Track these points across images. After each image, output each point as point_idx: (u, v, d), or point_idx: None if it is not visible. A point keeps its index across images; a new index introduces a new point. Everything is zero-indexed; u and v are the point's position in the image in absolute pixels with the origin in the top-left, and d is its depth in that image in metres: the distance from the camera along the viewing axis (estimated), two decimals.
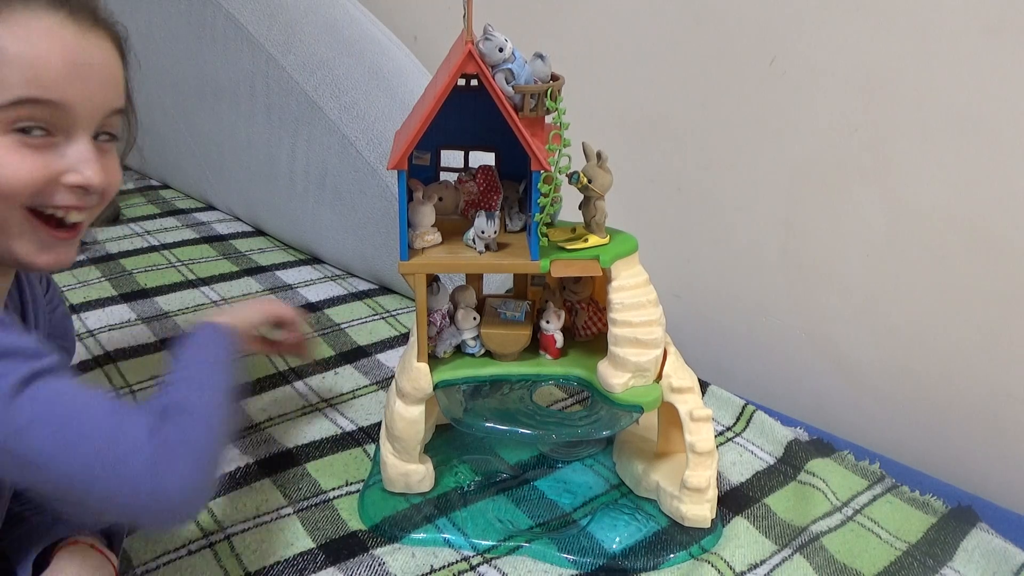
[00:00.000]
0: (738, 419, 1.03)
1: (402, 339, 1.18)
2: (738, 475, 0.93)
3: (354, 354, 1.14)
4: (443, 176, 0.86)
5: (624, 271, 0.79)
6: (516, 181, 0.85)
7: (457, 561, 0.79)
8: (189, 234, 1.52)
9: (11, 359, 0.55)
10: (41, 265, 0.62)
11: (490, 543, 0.81)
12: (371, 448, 0.94)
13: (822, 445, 0.99)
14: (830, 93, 1.05)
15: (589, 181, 0.77)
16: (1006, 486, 0.99)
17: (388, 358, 1.13)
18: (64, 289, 1.22)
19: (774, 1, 1.07)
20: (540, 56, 0.73)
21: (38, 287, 0.77)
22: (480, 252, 0.78)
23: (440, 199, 0.82)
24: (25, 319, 0.73)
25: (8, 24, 0.57)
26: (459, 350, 0.85)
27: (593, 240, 0.79)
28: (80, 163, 0.60)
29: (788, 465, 0.95)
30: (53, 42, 0.58)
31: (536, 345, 0.85)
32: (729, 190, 1.20)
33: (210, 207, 1.68)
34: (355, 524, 0.83)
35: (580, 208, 0.81)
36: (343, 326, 1.21)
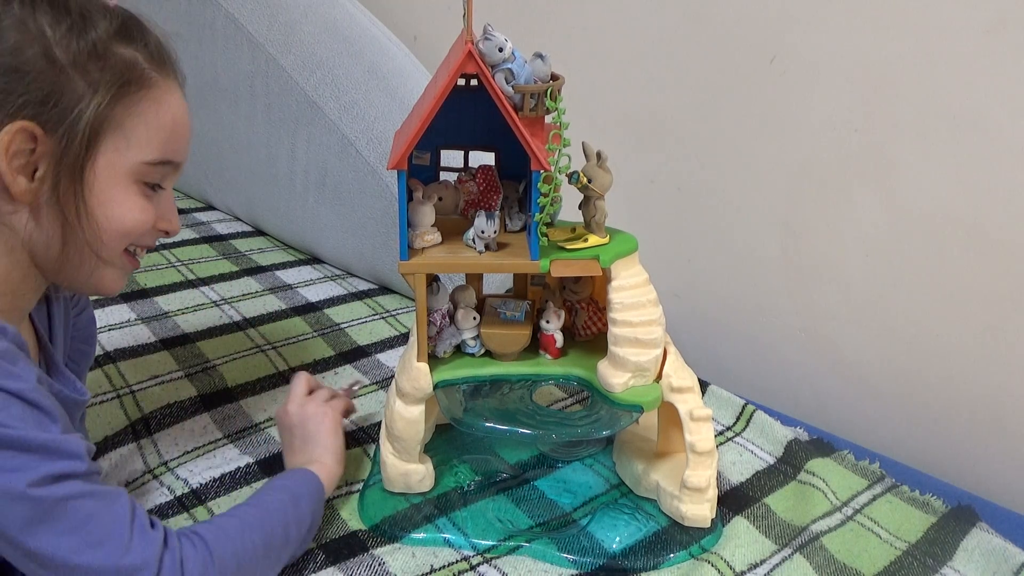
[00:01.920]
0: (738, 419, 1.03)
1: (402, 339, 1.18)
2: (738, 475, 0.93)
3: (354, 354, 1.13)
4: (443, 176, 0.86)
5: (624, 271, 0.79)
6: (516, 181, 0.85)
7: (457, 561, 0.79)
8: (189, 234, 1.52)
9: (38, 455, 0.57)
10: (113, 290, 0.70)
11: (490, 543, 0.81)
12: (371, 448, 0.94)
13: (822, 445, 0.99)
14: (830, 93, 1.05)
15: (589, 181, 0.77)
16: (1006, 486, 0.99)
17: (388, 358, 1.13)
18: None
19: (774, 1, 1.07)
20: (540, 56, 0.73)
21: (65, 291, 0.78)
22: (480, 252, 0.78)
23: (440, 199, 0.82)
24: (52, 329, 0.75)
25: (159, 92, 0.65)
26: (459, 350, 0.85)
27: (593, 240, 0.79)
28: (169, 212, 0.70)
29: (788, 465, 0.95)
30: (182, 113, 0.68)
31: (536, 345, 0.85)
32: (729, 190, 1.20)
33: (210, 207, 1.68)
34: (355, 524, 0.83)
35: (580, 208, 0.81)
36: (343, 326, 1.20)
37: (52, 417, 0.59)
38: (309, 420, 0.85)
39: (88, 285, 0.69)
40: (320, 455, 0.83)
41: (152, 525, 0.63)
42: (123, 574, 0.59)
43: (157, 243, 0.73)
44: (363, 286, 1.35)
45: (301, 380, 0.90)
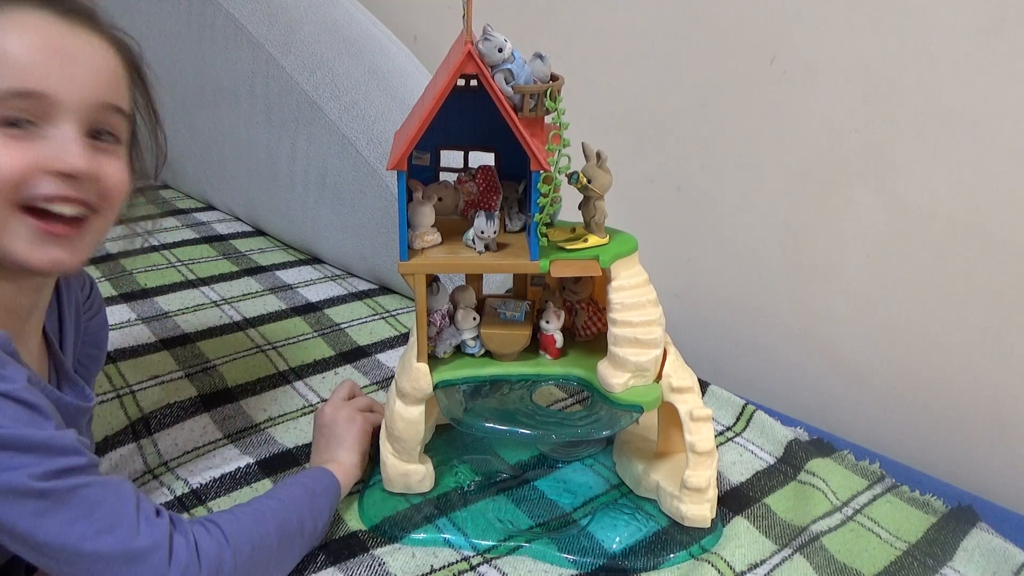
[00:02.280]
0: (738, 419, 1.03)
1: (402, 339, 1.18)
2: (738, 475, 0.93)
3: (354, 354, 1.14)
4: (443, 176, 0.86)
5: (624, 271, 0.79)
6: (516, 181, 0.85)
7: (457, 561, 0.79)
8: (189, 234, 1.52)
9: (38, 454, 0.57)
10: (36, 264, 0.62)
11: (490, 543, 0.81)
12: (372, 448, 0.94)
13: (822, 445, 0.99)
14: (830, 93, 1.05)
15: (589, 181, 0.77)
16: (1006, 486, 0.99)
17: (388, 358, 1.13)
18: None
19: (774, 1, 1.07)
20: (540, 56, 0.73)
21: (78, 295, 0.78)
22: (480, 252, 0.78)
23: (440, 199, 0.82)
24: (62, 335, 0.75)
25: None
26: (459, 350, 0.85)
27: (593, 240, 0.79)
28: (60, 151, 0.60)
29: (788, 465, 0.95)
30: (36, 35, 0.60)
31: (536, 345, 0.85)
32: (729, 190, 1.20)
33: (210, 207, 1.68)
34: (355, 524, 0.83)
35: (580, 208, 0.81)
36: (343, 326, 1.20)
37: (45, 415, 0.59)
38: (339, 423, 0.88)
39: (8, 258, 0.61)
40: (341, 456, 0.85)
41: (158, 513, 0.63)
42: (134, 557, 0.59)
43: (86, 194, 0.62)
44: (363, 286, 1.35)
45: (345, 385, 0.94)
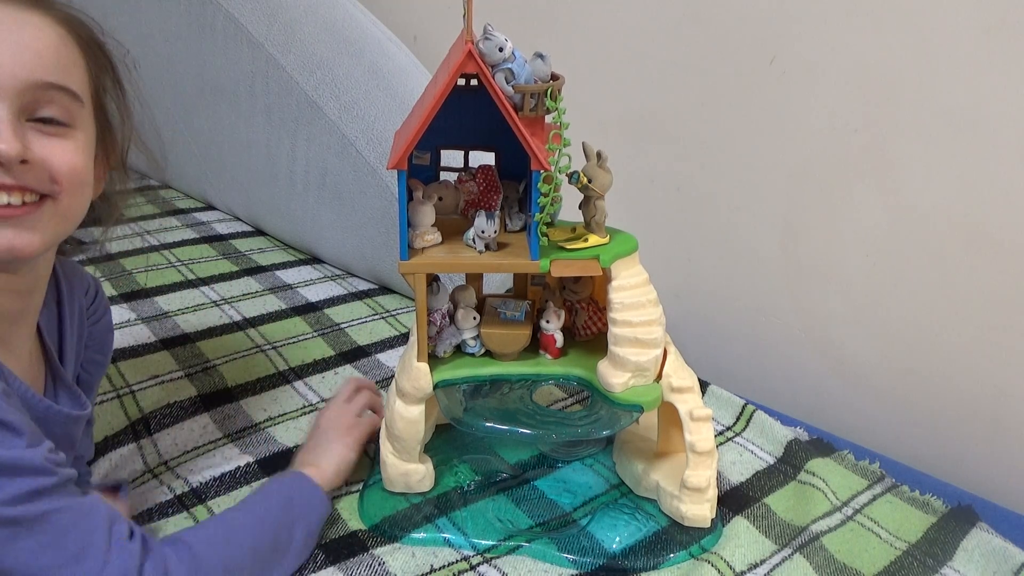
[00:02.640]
0: (738, 419, 1.03)
1: (402, 339, 1.18)
2: (738, 475, 0.93)
3: (354, 354, 1.14)
4: (443, 176, 0.86)
5: (624, 271, 0.79)
6: (516, 181, 0.85)
7: (457, 561, 0.79)
8: (189, 234, 1.52)
9: (5, 476, 0.55)
10: None
11: (490, 543, 0.81)
12: (371, 448, 0.94)
13: (822, 445, 0.99)
14: (830, 93, 1.05)
15: (589, 181, 0.77)
16: (1006, 486, 0.99)
17: (388, 358, 1.13)
18: None
19: (774, 1, 1.07)
20: (540, 56, 0.73)
21: (81, 300, 0.77)
22: (480, 252, 0.78)
23: (440, 199, 0.82)
24: (62, 343, 0.73)
25: None
26: (459, 350, 0.85)
27: (593, 240, 0.79)
28: None
29: (788, 465, 0.95)
30: None
31: (536, 345, 0.85)
32: (729, 190, 1.20)
33: (210, 207, 1.68)
34: (355, 524, 0.83)
35: (580, 208, 0.81)
36: (343, 326, 1.21)
37: (16, 431, 0.57)
38: (332, 428, 0.87)
39: None
40: (323, 462, 0.84)
41: (131, 535, 0.61)
42: None
43: (24, 180, 0.58)
44: (363, 286, 1.35)
45: (350, 384, 0.94)
